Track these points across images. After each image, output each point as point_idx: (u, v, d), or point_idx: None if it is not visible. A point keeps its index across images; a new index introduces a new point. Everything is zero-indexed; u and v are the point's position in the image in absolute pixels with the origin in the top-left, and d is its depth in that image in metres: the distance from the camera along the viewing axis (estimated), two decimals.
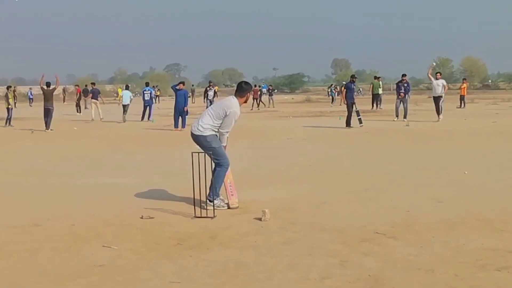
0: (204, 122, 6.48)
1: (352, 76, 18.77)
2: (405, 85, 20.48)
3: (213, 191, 6.37)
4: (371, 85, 29.46)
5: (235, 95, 6.65)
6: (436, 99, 19.42)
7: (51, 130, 18.55)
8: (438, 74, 20.22)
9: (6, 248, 5.04)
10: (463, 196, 6.83)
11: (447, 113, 24.11)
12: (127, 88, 26.26)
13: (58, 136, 16.76)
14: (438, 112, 19.20)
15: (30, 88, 49.24)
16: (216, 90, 27.14)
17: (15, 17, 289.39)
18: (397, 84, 21.41)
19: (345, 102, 17.81)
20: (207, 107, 24.11)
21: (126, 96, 24.10)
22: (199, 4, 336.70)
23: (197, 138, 6.53)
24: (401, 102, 20.00)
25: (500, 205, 6.29)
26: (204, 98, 26.54)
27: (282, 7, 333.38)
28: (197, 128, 6.48)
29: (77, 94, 31.60)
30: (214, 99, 26.72)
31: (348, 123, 17.34)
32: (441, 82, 19.63)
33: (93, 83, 28.33)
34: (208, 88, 26.54)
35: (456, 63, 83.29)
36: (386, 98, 28.46)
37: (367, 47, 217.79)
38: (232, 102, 6.56)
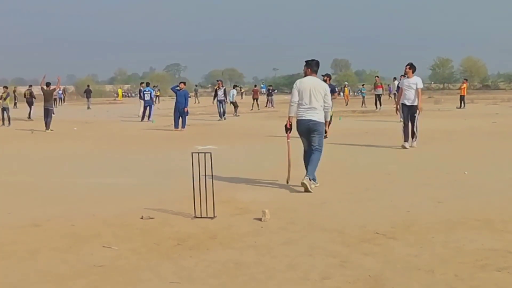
0: (319, 111, 7.48)
1: (324, 75, 14.39)
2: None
3: (313, 172, 7.51)
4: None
5: (311, 73, 7.65)
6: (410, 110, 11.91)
7: (51, 130, 18.56)
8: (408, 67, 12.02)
9: (6, 248, 5.04)
10: (463, 196, 6.83)
11: (448, 113, 24.12)
12: (234, 87, 29.56)
13: (58, 136, 16.76)
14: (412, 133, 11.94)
15: (59, 88, 48.60)
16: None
17: (15, 17, 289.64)
18: (397, 86, 21.29)
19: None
20: (218, 108, 23.00)
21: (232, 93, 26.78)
22: (199, 4, 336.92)
23: (317, 125, 7.50)
24: None
25: (500, 205, 6.29)
26: (214, 99, 23.39)
27: (282, 8, 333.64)
28: (318, 117, 7.47)
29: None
30: (231, 98, 25.55)
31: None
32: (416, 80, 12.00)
33: (146, 83, 26.41)
34: (217, 88, 23.60)
35: (456, 63, 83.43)
36: (384, 98, 28.40)
37: (367, 47, 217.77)
38: (322, 82, 7.86)
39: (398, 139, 13.22)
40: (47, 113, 18.93)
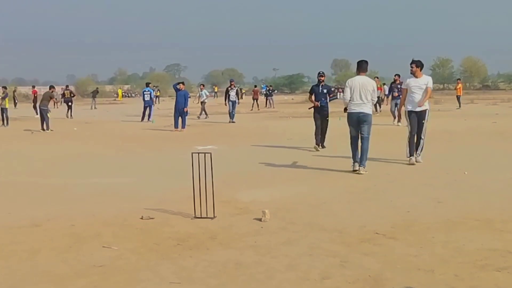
0: (368, 104, 8.81)
1: (319, 74, 12.39)
2: (399, 86, 18.30)
3: (365, 160, 8.75)
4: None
5: (361, 73, 8.96)
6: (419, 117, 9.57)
7: (51, 130, 18.57)
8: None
9: (6, 248, 5.04)
10: (463, 196, 6.83)
11: (447, 113, 24.13)
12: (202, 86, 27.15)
13: (58, 136, 16.77)
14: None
15: (62, 88, 49.38)
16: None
17: (15, 17, 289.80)
18: (390, 86, 20.01)
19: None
20: (229, 109, 21.65)
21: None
22: (199, 4, 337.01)
23: (367, 116, 8.80)
24: (395, 104, 18.21)
25: (500, 205, 6.29)
26: (226, 100, 22.15)
27: (282, 7, 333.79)
28: (367, 110, 8.79)
29: (34, 96, 30.74)
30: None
31: (318, 142, 11.94)
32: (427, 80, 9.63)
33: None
34: (229, 88, 22.31)
35: (456, 63, 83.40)
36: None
37: (367, 47, 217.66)
38: (370, 80, 9.06)
39: (396, 139, 13.21)
40: (42, 114, 19.07)
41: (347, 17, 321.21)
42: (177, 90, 18.80)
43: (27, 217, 6.14)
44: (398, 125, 17.43)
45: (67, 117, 25.83)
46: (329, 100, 12.26)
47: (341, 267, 4.32)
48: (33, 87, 34.40)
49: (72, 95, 28.07)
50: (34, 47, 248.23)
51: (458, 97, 28.66)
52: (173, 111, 18.94)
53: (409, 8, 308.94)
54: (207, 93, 26.30)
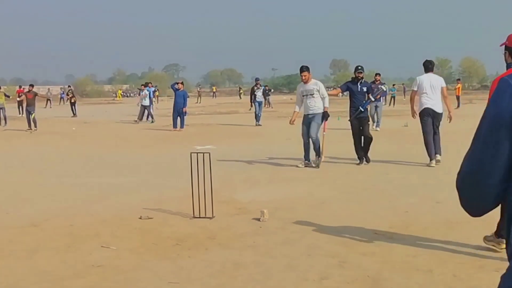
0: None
1: (357, 70, 10.01)
2: (379, 86, 16.46)
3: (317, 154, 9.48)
4: None
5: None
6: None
7: (34, 130, 18.52)
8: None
9: (4, 248, 5.03)
10: None
11: (446, 113, 24.07)
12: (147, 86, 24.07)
13: (56, 136, 16.74)
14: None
15: (61, 88, 49.82)
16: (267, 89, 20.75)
17: (14, 16, 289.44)
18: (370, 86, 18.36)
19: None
20: (255, 110, 20.22)
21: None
22: (198, 4, 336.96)
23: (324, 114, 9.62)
24: (375, 107, 16.73)
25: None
26: (251, 100, 21.07)
27: (281, 8, 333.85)
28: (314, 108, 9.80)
29: (20, 95, 30.59)
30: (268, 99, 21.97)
31: (361, 155, 9.59)
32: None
33: (145, 84, 25.54)
34: (255, 88, 21.09)
35: (455, 63, 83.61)
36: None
37: (366, 47, 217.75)
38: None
39: (397, 139, 13.20)
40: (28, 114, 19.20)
41: (346, 17, 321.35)
42: (175, 90, 18.77)
43: (25, 217, 6.13)
44: (376, 129, 16.42)
45: (74, 114, 27.08)
46: (368, 102, 9.97)
47: (340, 267, 4.31)
48: (20, 86, 34.00)
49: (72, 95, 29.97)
50: (33, 46, 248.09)
51: (457, 97, 28.95)
52: (171, 111, 18.92)
53: (407, 9, 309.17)
54: (151, 95, 22.80)
